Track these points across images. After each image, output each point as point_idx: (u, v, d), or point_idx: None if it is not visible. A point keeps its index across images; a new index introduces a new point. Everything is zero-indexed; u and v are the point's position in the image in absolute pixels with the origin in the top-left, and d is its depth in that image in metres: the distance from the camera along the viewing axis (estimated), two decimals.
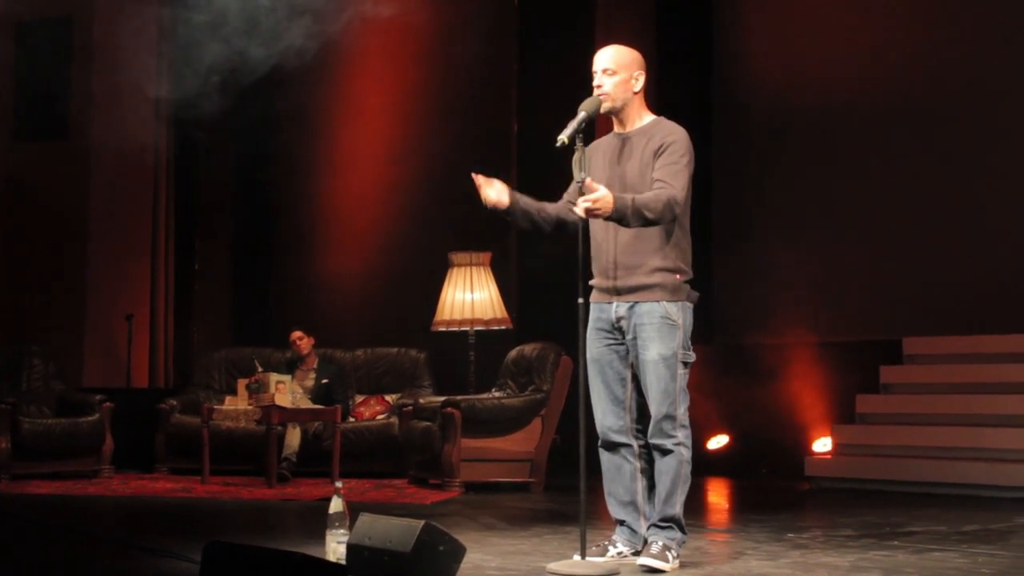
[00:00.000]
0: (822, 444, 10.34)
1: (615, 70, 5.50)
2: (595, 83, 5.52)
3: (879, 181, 10.83)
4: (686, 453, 5.44)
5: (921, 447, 9.38)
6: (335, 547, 5.23)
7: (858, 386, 10.12)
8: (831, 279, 11.01)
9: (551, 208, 5.63)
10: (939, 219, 10.49)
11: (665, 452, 5.42)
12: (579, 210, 5.25)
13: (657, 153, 5.43)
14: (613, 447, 5.56)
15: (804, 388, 10.72)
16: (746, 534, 6.69)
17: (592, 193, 5.19)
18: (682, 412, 5.43)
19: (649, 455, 5.52)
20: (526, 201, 5.59)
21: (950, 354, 9.87)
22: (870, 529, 6.86)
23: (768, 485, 9.85)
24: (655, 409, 5.41)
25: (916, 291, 10.49)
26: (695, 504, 7.82)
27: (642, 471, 5.56)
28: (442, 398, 9.61)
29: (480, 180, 5.50)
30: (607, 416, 5.54)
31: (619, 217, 5.25)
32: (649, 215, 5.26)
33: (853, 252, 10.92)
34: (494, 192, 5.49)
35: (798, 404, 10.71)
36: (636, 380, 5.52)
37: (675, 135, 5.47)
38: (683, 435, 5.43)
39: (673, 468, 5.41)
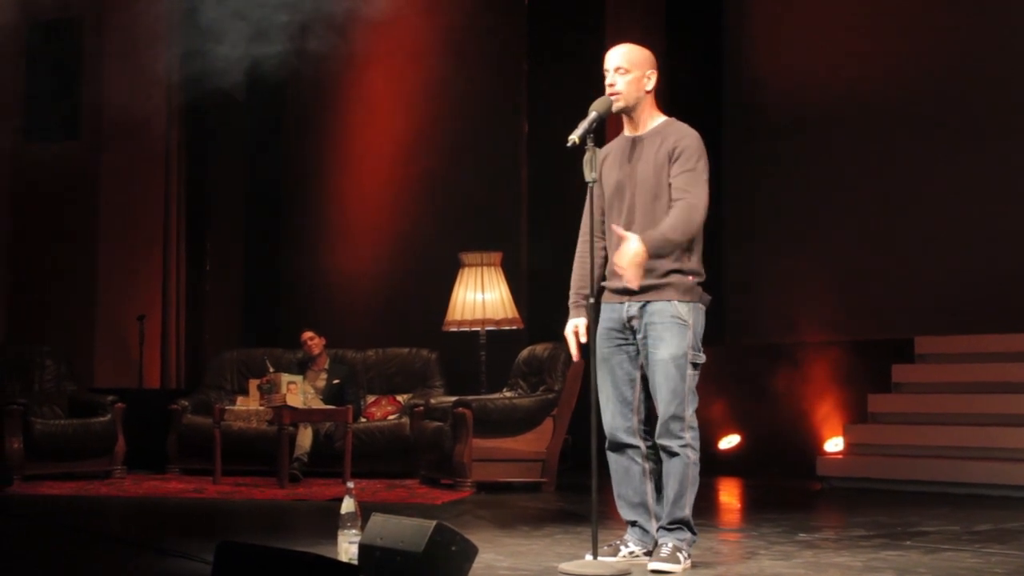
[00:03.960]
0: (834, 444, 10.33)
1: (627, 68, 5.48)
2: (607, 82, 5.49)
3: (890, 180, 10.81)
4: (693, 455, 5.41)
5: (933, 447, 9.35)
6: (347, 547, 5.24)
7: (870, 385, 10.09)
8: (842, 278, 10.99)
9: (598, 262, 5.61)
10: (951, 217, 10.46)
11: (672, 454, 5.40)
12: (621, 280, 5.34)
13: (671, 158, 5.40)
14: (620, 448, 5.54)
15: (816, 387, 10.71)
16: (758, 534, 6.68)
17: (624, 256, 5.23)
18: (690, 413, 5.40)
19: (657, 456, 5.50)
20: (586, 288, 5.58)
21: (962, 353, 9.84)
22: (883, 529, 6.85)
23: (780, 485, 9.83)
24: (663, 409, 5.38)
25: (927, 290, 10.46)
26: (707, 504, 7.82)
27: (651, 472, 5.54)
28: (453, 398, 9.61)
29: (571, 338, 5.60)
30: (615, 417, 5.52)
31: (657, 256, 5.31)
32: (681, 238, 5.32)
33: (864, 251, 10.89)
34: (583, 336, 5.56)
35: (810, 404, 10.69)
36: (645, 381, 5.49)
37: (688, 138, 5.45)
38: (690, 436, 5.40)
39: (680, 470, 5.39)
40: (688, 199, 5.33)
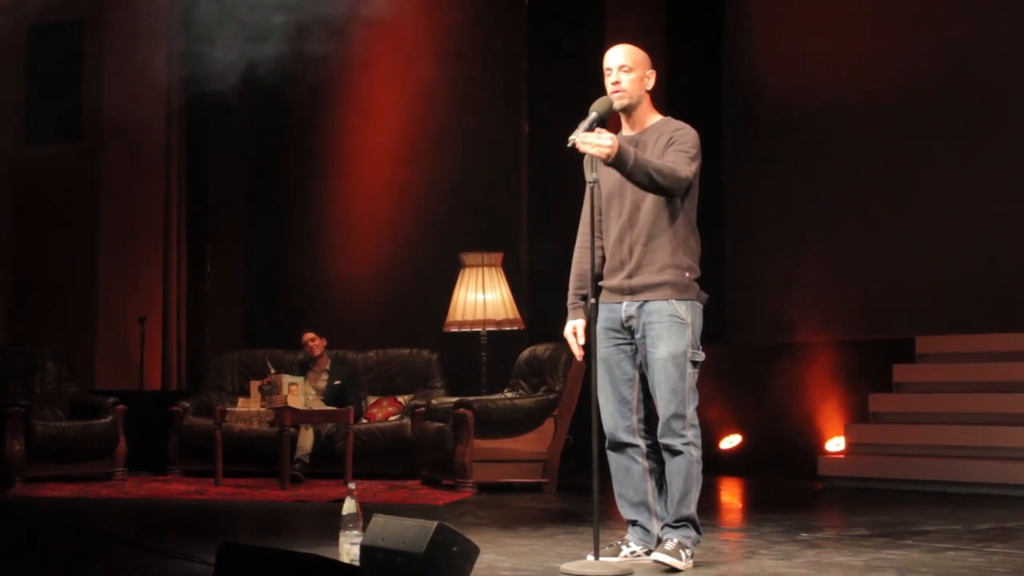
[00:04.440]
0: (835, 443, 10.33)
1: (631, 67, 5.51)
2: (612, 80, 5.51)
3: (891, 179, 10.81)
4: (696, 453, 5.43)
5: (934, 446, 9.35)
6: (348, 548, 5.24)
7: (871, 385, 10.09)
8: (843, 278, 10.99)
9: (597, 262, 5.60)
10: (951, 217, 10.46)
11: (675, 452, 5.41)
12: (575, 140, 5.25)
13: (667, 145, 5.44)
14: (620, 447, 5.55)
15: (817, 387, 10.71)
16: (760, 534, 6.69)
17: (599, 137, 5.20)
18: (691, 411, 5.42)
19: (657, 455, 5.51)
20: (585, 289, 5.57)
21: (963, 352, 9.84)
22: (884, 528, 6.85)
23: (781, 485, 9.84)
24: (664, 408, 5.40)
25: (928, 289, 10.47)
26: (708, 504, 7.81)
27: (651, 471, 5.55)
28: (454, 399, 9.61)
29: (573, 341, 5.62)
30: (614, 416, 5.53)
31: (619, 164, 5.23)
32: (655, 175, 5.26)
33: (865, 250, 10.90)
34: (581, 336, 5.57)
35: (811, 403, 10.69)
36: (644, 380, 5.51)
37: (684, 130, 5.50)
38: (692, 434, 5.42)
39: (684, 469, 5.40)
40: (679, 166, 5.34)
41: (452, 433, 9.33)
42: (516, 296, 10.70)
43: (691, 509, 5.42)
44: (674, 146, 5.43)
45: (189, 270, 13.23)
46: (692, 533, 5.44)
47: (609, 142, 5.19)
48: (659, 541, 5.45)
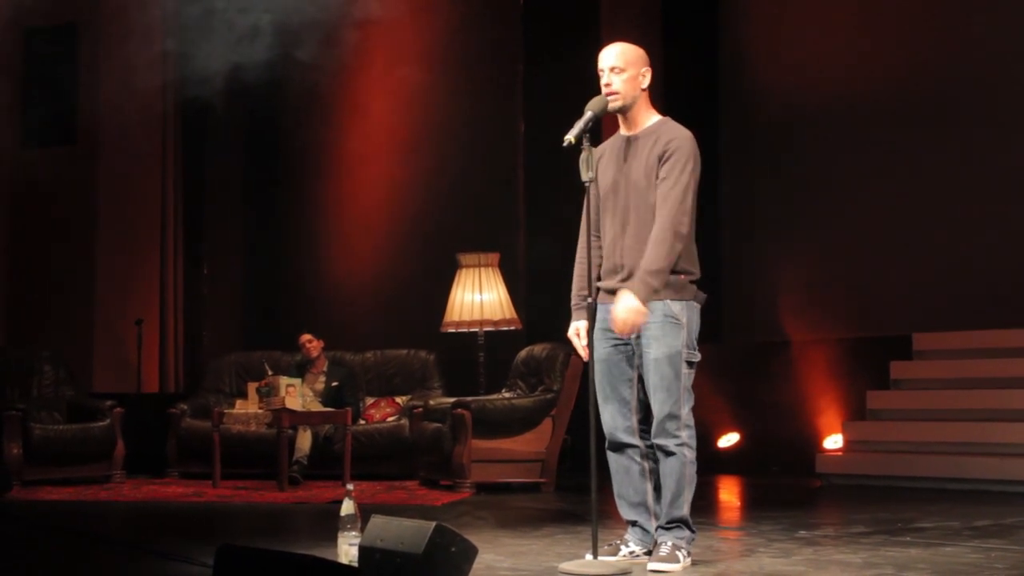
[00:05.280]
0: (833, 441, 10.33)
1: (623, 68, 5.48)
2: (604, 82, 5.49)
3: (888, 178, 10.81)
4: (690, 454, 5.42)
5: (932, 443, 9.36)
6: (347, 549, 5.24)
7: (868, 382, 10.10)
8: (840, 276, 11.00)
9: (596, 262, 5.62)
10: (948, 214, 10.46)
11: (668, 453, 5.40)
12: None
13: (661, 160, 5.41)
14: (620, 448, 5.56)
15: (814, 385, 10.71)
16: (758, 531, 6.69)
17: (621, 311, 5.32)
18: (686, 412, 5.41)
19: (656, 455, 5.51)
20: (586, 287, 5.58)
21: (960, 349, 9.85)
22: (882, 525, 6.86)
23: (779, 483, 9.85)
24: (658, 408, 5.40)
25: (925, 287, 10.47)
26: (707, 502, 7.83)
27: (651, 471, 5.55)
28: (452, 399, 9.61)
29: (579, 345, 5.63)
30: (614, 417, 5.53)
31: (652, 296, 5.34)
32: (666, 265, 5.33)
33: (862, 248, 10.90)
34: (583, 337, 5.58)
35: (808, 401, 10.70)
36: (642, 381, 5.50)
37: (679, 140, 5.44)
38: (687, 435, 5.42)
39: (677, 470, 5.40)
40: (663, 221, 5.33)
41: (450, 433, 9.34)
42: (513, 296, 10.71)
43: (684, 510, 5.41)
44: (667, 166, 5.38)
45: (186, 272, 13.22)
46: (686, 533, 5.44)
47: (635, 304, 5.29)
48: (655, 545, 5.44)
